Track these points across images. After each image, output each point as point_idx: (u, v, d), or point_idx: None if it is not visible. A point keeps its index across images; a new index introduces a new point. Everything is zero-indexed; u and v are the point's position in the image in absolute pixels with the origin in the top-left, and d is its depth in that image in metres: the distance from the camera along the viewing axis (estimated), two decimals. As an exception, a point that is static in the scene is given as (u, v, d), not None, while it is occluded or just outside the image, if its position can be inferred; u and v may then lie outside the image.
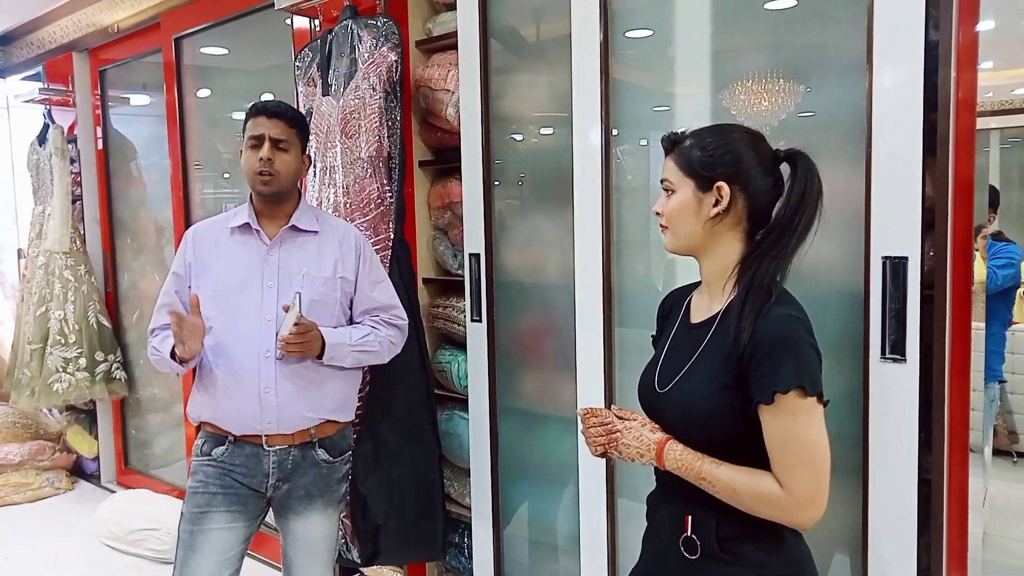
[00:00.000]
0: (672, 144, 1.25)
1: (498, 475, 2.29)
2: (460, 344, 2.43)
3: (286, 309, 1.73)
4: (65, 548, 3.45)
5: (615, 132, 2.00)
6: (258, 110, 1.83)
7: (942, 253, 1.50)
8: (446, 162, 2.45)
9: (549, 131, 2.24)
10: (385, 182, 2.22)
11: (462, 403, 2.42)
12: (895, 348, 1.51)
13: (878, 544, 1.57)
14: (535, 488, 2.33)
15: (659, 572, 1.28)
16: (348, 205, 2.22)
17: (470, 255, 2.27)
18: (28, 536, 3.60)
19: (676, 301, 1.37)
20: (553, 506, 2.27)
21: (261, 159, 1.79)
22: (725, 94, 1.86)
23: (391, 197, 2.22)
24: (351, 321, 1.93)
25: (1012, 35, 4.41)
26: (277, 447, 1.82)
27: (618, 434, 1.24)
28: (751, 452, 1.14)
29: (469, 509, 2.38)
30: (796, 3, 1.77)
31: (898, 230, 1.50)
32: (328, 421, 1.87)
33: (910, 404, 1.51)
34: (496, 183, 2.27)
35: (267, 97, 3.30)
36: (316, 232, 1.88)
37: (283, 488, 1.85)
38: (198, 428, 1.92)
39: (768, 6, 1.80)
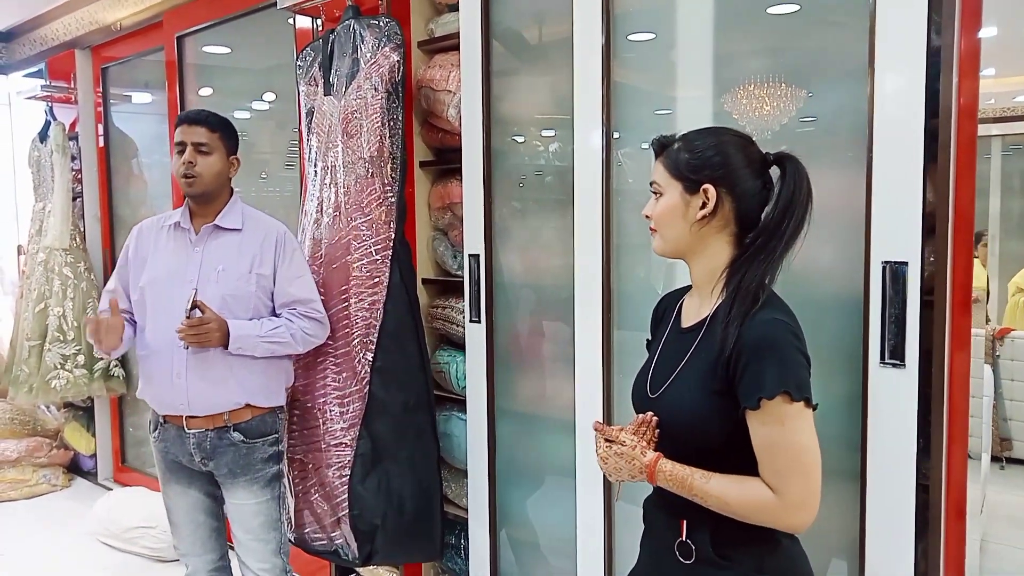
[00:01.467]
0: (661, 147, 1.25)
1: (495, 477, 2.29)
2: (459, 345, 2.42)
3: (188, 305, 1.89)
4: (61, 545, 3.45)
5: (617, 135, 2.00)
6: (181, 120, 2.02)
7: (942, 259, 1.50)
8: (447, 163, 2.45)
9: (550, 133, 2.24)
10: (387, 182, 2.22)
11: (460, 404, 2.42)
12: (894, 353, 1.51)
13: (875, 549, 1.56)
14: (532, 490, 2.33)
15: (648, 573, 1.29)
16: (349, 204, 2.21)
17: (470, 256, 2.27)
18: (24, 533, 3.60)
19: (669, 305, 1.37)
20: (550, 508, 2.27)
21: (184, 163, 1.96)
22: (727, 98, 1.86)
23: (392, 197, 2.22)
24: (274, 313, 2.06)
25: (1015, 42, 4.41)
26: (195, 430, 1.99)
27: (606, 460, 1.23)
28: (742, 457, 1.14)
29: (466, 510, 2.38)
30: (799, 8, 1.77)
31: (898, 235, 1.50)
32: (246, 406, 2.01)
33: (909, 410, 1.50)
34: (509, 184, 2.27)
35: (269, 97, 3.30)
36: (239, 230, 2.03)
37: (210, 465, 2.03)
38: None
39: (771, 10, 1.80)
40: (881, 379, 1.53)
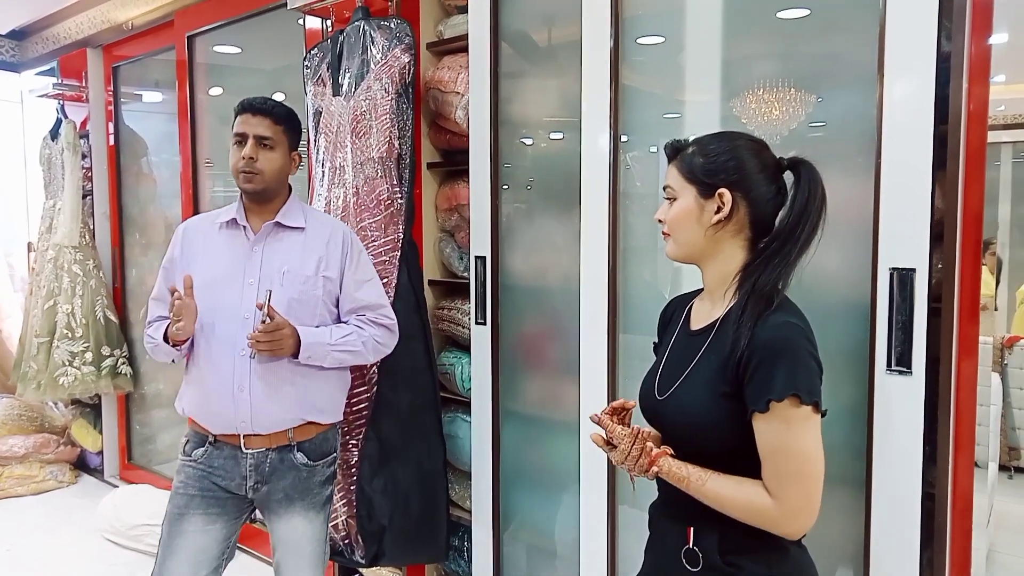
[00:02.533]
0: (675, 151, 1.25)
1: (499, 479, 2.29)
2: (464, 346, 2.42)
3: (259, 307, 1.71)
4: (67, 541, 3.46)
5: (625, 138, 2.00)
6: (244, 107, 1.82)
7: (950, 266, 1.49)
8: (454, 164, 2.46)
9: (559, 136, 2.24)
10: (395, 183, 2.23)
11: (465, 406, 2.42)
12: (901, 360, 1.50)
13: (880, 558, 1.56)
14: (536, 493, 2.33)
15: None
16: (358, 205, 2.22)
17: (476, 258, 2.27)
18: (31, 529, 3.61)
19: (678, 308, 1.37)
20: (553, 512, 2.26)
21: (244, 157, 1.78)
22: (736, 102, 1.85)
23: (401, 198, 2.23)
24: (339, 320, 1.91)
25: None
26: (255, 449, 1.80)
27: (618, 442, 1.21)
28: (747, 463, 1.13)
29: (470, 512, 2.38)
30: (809, 12, 1.76)
31: (906, 242, 1.49)
32: (309, 423, 1.85)
33: (915, 417, 1.50)
34: (505, 187, 2.28)
35: (279, 97, 3.32)
36: (302, 229, 1.86)
37: (262, 490, 1.83)
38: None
39: (781, 15, 1.80)
40: (887, 386, 1.53)
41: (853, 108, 1.63)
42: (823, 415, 1.12)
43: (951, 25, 1.47)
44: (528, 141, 2.30)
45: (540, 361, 2.30)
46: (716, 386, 1.15)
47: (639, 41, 2.01)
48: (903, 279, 1.49)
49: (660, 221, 1.26)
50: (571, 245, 2.08)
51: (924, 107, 1.46)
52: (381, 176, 2.20)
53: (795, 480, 1.09)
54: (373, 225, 2.18)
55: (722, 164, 1.18)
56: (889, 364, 1.52)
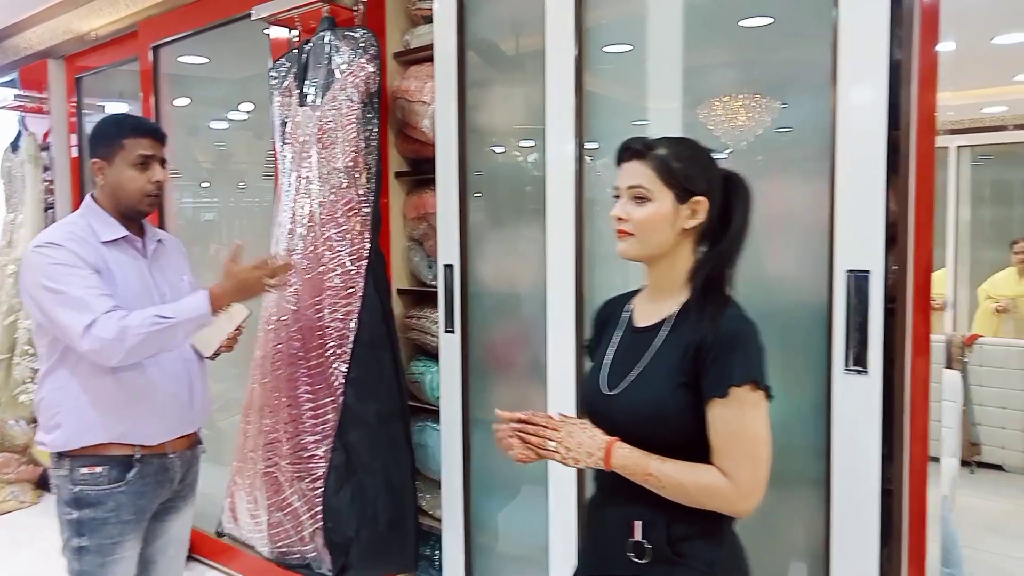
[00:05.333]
0: (645, 149, 1.24)
1: (469, 487, 2.29)
2: (434, 355, 2.42)
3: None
4: (29, 562, 3.38)
5: (595, 145, 2.02)
6: (144, 131, 1.85)
7: (904, 267, 1.53)
8: (422, 173, 2.46)
9: (526, 144, 2.26)
10: (361, 192, 2.22)
11: (434, 414, 2.42)
12: (858, 361, 1.54)
13: (841, 554, 1.59)
14: (506, 500, 2.33)
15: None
16: (323, 215, 2.21)
17: (444, 266, 2.28)
18: (-8, 550, 3.52)
19: (614, 309, 1.40)
20: (524, 518, 2.27)
21: (156, 181, 1.84)
22: (703, 109, 1.88)
23: (367, 207, 2.22)
24: None
25: (982, 56, 4.53)
26: (179, 451, 1.90)
27: (562, 436, 1.23)
28: (697, 452, 1.19)
29: (440, 521, 2.37)
30: (772, 21, 1.80)
31: (862, 244, 1.53)
32: None
33: (872, 416, 1.53)
34: (478, 195, 2.29)
35: (247, 107, 3.29)
36: (163, 242, 1.99)
37: (176, 490, 1.93)
38: (63, 455, 1.78)
39: (743, 23, 1.83)
40: (845, 386, 1.56)
41: (817, 114, 1.66)
42: (770, 399, 1.20)
43: (901, 33, 1.52)
44: (496, 149, 2.32)
45: (509, 368, 2.31)
46: (674, 377, 1.20)
47: (605, 49, 2.03)
48: (859, 281, 1.53)
49: (621, 219, 1.25)
50: (539, 252, 2.10)
51: (877, 113, 1.51)
52: (347, 186, 2.19)
53: (749, 461, 1.16)
54: (339, 235, 2.18)
55: (701, 172, 1.23)
56: (846, 364, 1.56)
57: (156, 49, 3.32)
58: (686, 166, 1.22)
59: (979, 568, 3.26)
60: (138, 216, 1.88)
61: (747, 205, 1.25)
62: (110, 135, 1.83)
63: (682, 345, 1.20)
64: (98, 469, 1.77)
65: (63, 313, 1.67)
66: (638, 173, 1.24)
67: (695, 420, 1.18)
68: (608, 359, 1.32)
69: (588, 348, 1.45)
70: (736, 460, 1.16)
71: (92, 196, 1.87)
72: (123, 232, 1.84)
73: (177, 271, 1.98)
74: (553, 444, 1.22)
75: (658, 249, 1.25)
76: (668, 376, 1.21)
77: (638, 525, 1.22)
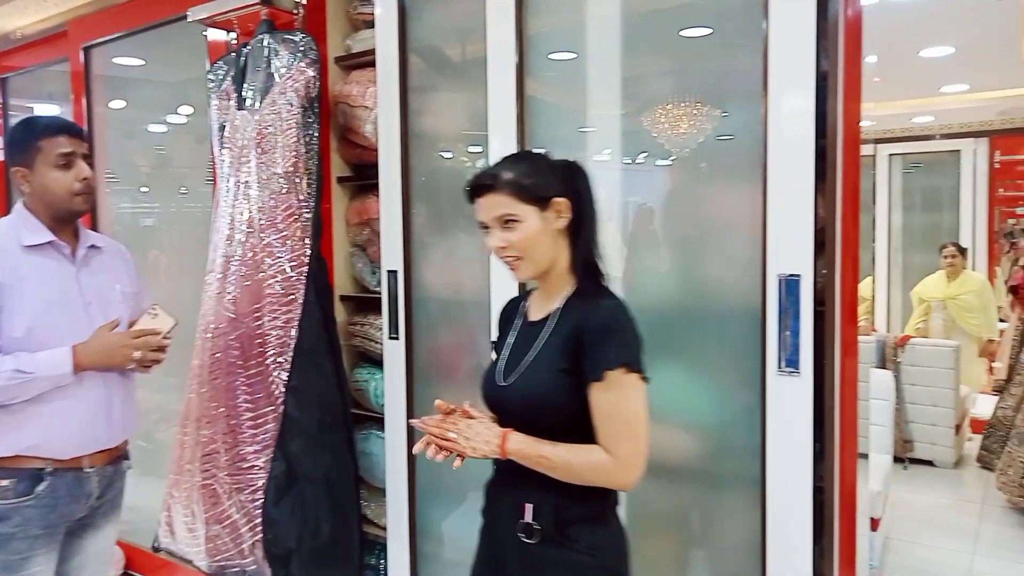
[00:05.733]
0: (489, 184, 1.32)
1: (415, 495, 2.27)
2: (378, 362, 2.40)
3: (132, 324, 1.82)
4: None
5: (542, 151, 2.03)
6: (58, 129, 1.78)
7: (832, 271, 1.58)
8: (365, 179, 2.44)
9: (473, 149, 2.26)
10: (302, 198, 2.19)
11: (379, 422, 2.39)
12: (790, 362, 1.59)
13: (776, 551, 1.63)
14: (452, 507, 2.32)
15: (500, 560, 1.37)
16: (263, 220, 2.17)
17: (388, 272, 2.26)
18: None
19: (515, 306, 1.51)
20: (469, 525, 2.25)
21: (83, 179, 1.78)
22: (647, 117, 1.92)
23: (308, 213, 2.19)
24: None
25: (910, 68, 4.73)
26: (97, 466, 1.81)
27: (461, 427, 1.33)
28: (582, 434, 1.28)
29: (385, 529, 2.35)
30: (710, 31, 1.85)
31: (792, 249, 1.58)
32: None
33: (804, 415, 1.58)
34: (423, 200, 2.28)
35: (186, 110, 3.21)
36: (103, 248, 1.92)
37: (95, 507, 1.84)
38: None
39: (683, 33, 1.88)
40: (778, 387, 1.61)
41: (753, 123, 1.70)
42: (647, 382, 1.28)
43: (827, 45, 1.57)
44: (441, 155, 2.31)
45: (454, 374, 2.30)
46: (557, 363, 1.29)
47: (551, 57, 2.05)
48: (790, 285, 1.58)
49: (503, 248, 1.32)
50: (483, 257, 2.10)
51: (805, 122, 1.56)
52: (287, 191, 2.16)
53: (627, 438, 1.25)
54: (279, 241, 2.14)
55: (546, 177, 1.33)
56: (780, 365, 1.60)
57: (88, 50, 3.21)
58: (534, 178, 1.32)
59: (912, 560, 3.40)
60: (72, 217, 1.82)
61: (588, 187, 1.35)
62: (24, 140, 1.78)
63: (564, 335, 1.30)
64: (4, 482, 1.70)
65: None
66: (498, 203, 1.31)
67: (579, 404, 1.27)
68: (505, 353, 1.41)
69: (494, 345, 1.52)
70: (616, 439, 1.25)
71: (23, 202, 1.82)
72: (48, 237, 1.77)
73: (111, 279, 1.89)
74: (453, 435, 1.33)
75: (546, 260, 1.34)
76: (552, 364, 1.30)
77: (529, 508, 1.31)
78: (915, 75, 4.98)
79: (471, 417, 1.35)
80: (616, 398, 1.25)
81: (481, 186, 1.33)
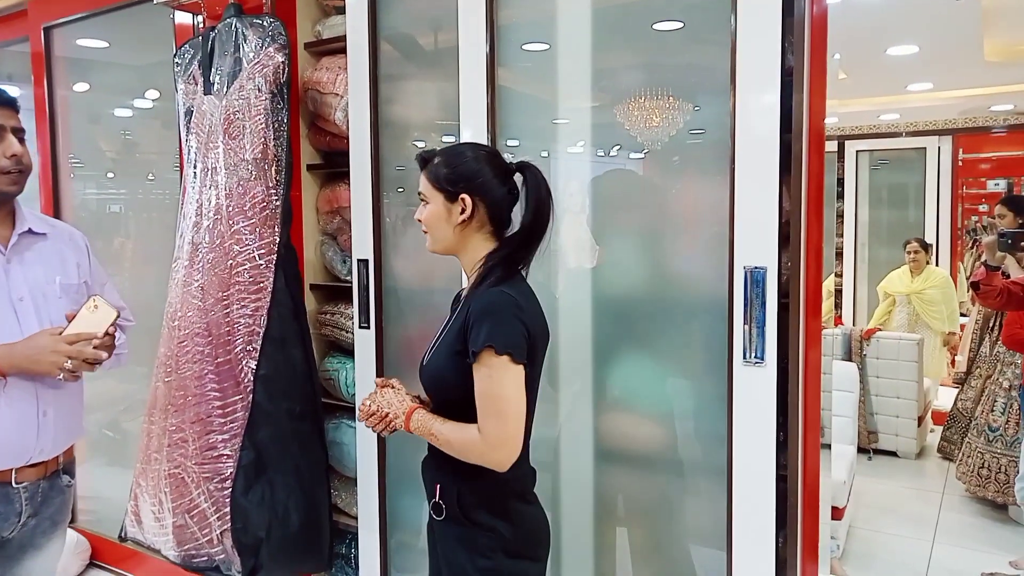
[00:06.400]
0: (424, 162, 1.47)
1: (385, 484, 2.27)
2: (349, 352, 2.39)
3: (69, 318, 1.55)
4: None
5: (516, 143, 2.03)
6: None
7: (796, 263, 1.61)
8: (335, 166, 2.42)
9: (446, 138, 2.25)
10: (271, 185, 2.16)
11: (350, 412, 2.39)
12: (755, 353, 1.61)
13: (741, 538, 1.66)
14: (423, 496, 2.32)
15: (428, 528, 1.52)
16: (230, 208, 2.14)
17: (358, 261, 2.25)
18: None
19: (458, 294, 1.62)
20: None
21: (13, 155, 1.56)
22: (620, 109, 1.93)
23: (277, 200, 2.16)
24: None
25: (877, 66, 4.80)
26: (26, 482, 1.61)
27: (375, 396, 1.46)
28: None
29: (356, 519, 2.35)
30: (682, 25, 1.86)
31: (758, 242, 1.60)
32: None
33: (768, 405, 1.61)
34: (400, 189, 2.26)
35: (152, 94, 3.15)
36: (46, 235, 1.69)
37: (30, 524, 1.65)
38: None
39: (656, 27, 1.88)
40: (744, 377, 1.63)
41: (723, 117, 1.72)
42: (525, 366, 1.33)
43: (793, 41, 1.59)
44: (414, 143, 2.30)
45: (424, 364, 2.30)
46: (452, 346, 1.39)
47: (524, 47, 2.05)
48: (756, 277, 1.60)
49: (420, 220, 1.47)
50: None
51: (771, 117, 1.58)
52: (255, 178, 2.13)
53: (494, 417, 1.31)
54: (247, 228, 2.11)
55: (462, 174, 1.42)
56: (745, 356, 1.63)
57: (48, 30, 3.13)
58: (450, 171, 1.42)
59: (874, 548, 3.48)
60: (2, 199, 1.60)
61: (535, 196, 1.41)
62: None
63: (462, 319, 1.38)
64: None
65: None
66: (422, 182, 1.47)
67: (469, 383, 1.34)
68: (437, 335, 1.51)
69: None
70: (485, 417, 1.32)
71: None
72: None
73: (50, 271, 1.66)
74: (368, 402, 1.46)
75: (445, 242, 1.45)
76: (449, 346, 1.40)
77: (439, 488, 1.43)
78: (882, 73, 5.06)
79: (392, 388, 1.48)
80: (486, 377, 1.31)
81: (419, 163, 1.49)
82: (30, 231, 1.65)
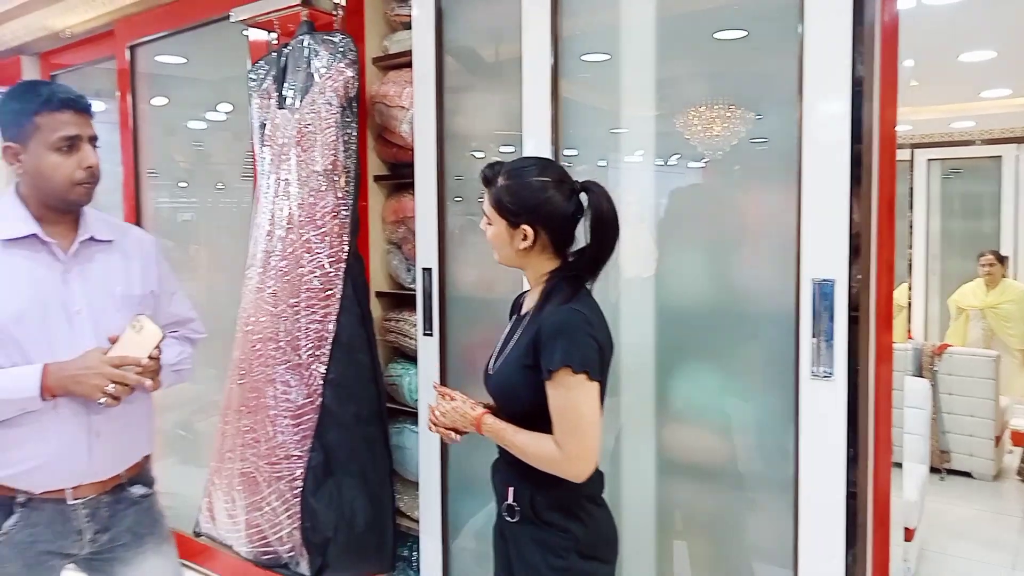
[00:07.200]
0: (487, 181, 1.49)
1: (447, 488, 2.31)
2: (412, 358, 2.44)
3: (112, 341, 1.48)
4: None
5: (574, 152, 2.05)
6: (60, 103, 1.47)
7: (867, 277, 1.57)
8: (400, 177, 2.48)
9: (506, 149, 2.29)
10: (340, 195, 2.24)
11: (413, 416, 2.43)
12: (824, 366, 1.58)
13: (808, 556, 1.63)
14: (484, 501, 2.35)
15: (497, 530, 1.56)
16: (302, 217, 2.22)
17: (423, 269, 2.29)
18: None
19: (518, 300, 1.65)
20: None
21: (89, 167, 1.50)
22: (680, 119, 1.92)
23: (346, 211, 2.24)
24: None
25: (949, 72, 4.64)
26: (85, 498, 1.53)
27: (443, 408, 1.51)
28: (549, 423, 1.38)
29: (418, 522, 2.39)
30: (745, 34, 1.85)
31: (827, 254, 1.57)
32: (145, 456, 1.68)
33: (838, 420, 1.58)
34: (458, 199, 2.31)
35: (225, 108, 3.29)
36: (111, 241, 1.61)
37: (102, 540, 1.58)
38: None
39: (718, 36, 1.88)
40: (811, 391, 1.60)
41: (787, 126, 1.70)
42: (600, 384, 1.37)
43: (863, 50, 1.56)
44: (476, 154, 2.34)
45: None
46: (522, 359, 1.41)
47: (584, 58, 2.07)
48: (824, 289, 1.58)
49: (485, 233, 1.51)
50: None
51: (840, 127, 1.55)
52: (326, 189, 2.21)
53: (573, 434, 1.35)
54: (318, 237, 2.19)
55: (524, 204, 1.43)
56: (813, 370, 1.60)
57: (133, 48, 3.30)
58: (513, 199, 1.43)
59: (946, 571, 3.34)
60: (70, 207, 1.54)
61: (598, 217, 1.41)
62: (17, 111, 1.48)
63: (531, 333, 1.40)
64: None
65: None
66: (486, 200, 1.49)
67: (539, 396, 1.37)
68: (499, 343, 1.55)
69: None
70: (563, 432, 1.35)
71: (16, 187, 1.56)
72: (30, 229, 1.49)
73: (111, 282, 1.58)
74: (437, 415, 1.52)
75: (509, 260, 1.49)
76: (519, 359, 1.43)
77: (511, 490, 1.46)
78: (954, 80, 4.89)
79: (454, 398, 1.53)
80: (563, 395, 1.34)
81: (483, 179, 1.50)
82: (92, 239, 1.58)
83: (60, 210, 1.54)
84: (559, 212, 1.43)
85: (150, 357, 1.48)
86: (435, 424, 1.52)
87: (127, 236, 1.67)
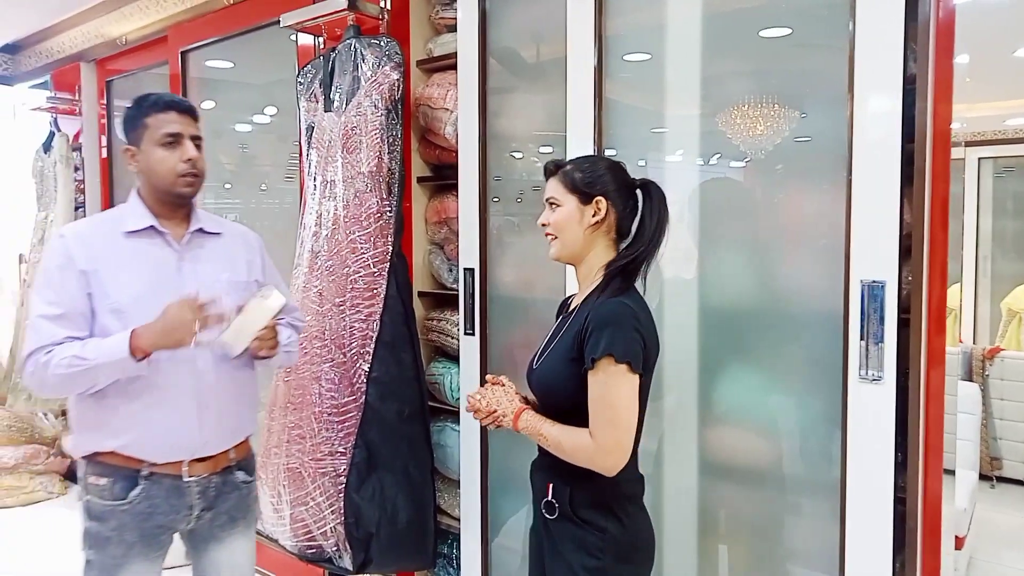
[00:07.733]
0: (556, 167, 1.52)
1: (487, 487, 2.33)
2: (453, 357, 2.47)
3: (239, 309, 1.62)
4: (57, 553, 3.46)
5: (613, 152, 2.05)
6: (165, 105, 1.67)
7: (918, 278, 1.54)
8: (444, 179, 2.51)
9: (548, 150, 2.30)
10: (384, 197, 2.27)
11: (454, 415, 2.46)
12: (873, 369, 1.56)
13: (855, 561, 1.60)
14: (524, 500, 2.36)
15: (535, 527, 1.57)
16: (347, 218, 2.27)
17: (464, 269, 2.32)
18: (19, 540, 3.61)
19: (567, 299, 1.66)
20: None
21: (189, 160, 1.66)
22: (722, 118, 1.91)
23: (390, 211, 2.27)
24: None
25: (1004, 68, 4.50)
26: (198, 476, 1.68)
27: (485, 394, 1.52)
28: (587, 420, 1.38)
29: (459, 520, 2.41)
30: (790, 32, 1.83)
31: (877, 255, 1.55)
32: (244, 440, 1.80)
33: (887, 424, 1.55)
34: (495, 199, 2.33)
35: (271, 111, 3.36)
36: (220, 234, 1.78)
37: (205, 518, 1.72)
38: (84, 459, 1.67)
39: (763, 34, 1.86)
40: (860, 394, 1.58)
41: (833, 125, 1.68)
42: (641, 376, 1.37)
43: (916, 47, 1.54)
44: (517, 155, 2.36)
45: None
46: (567, 353, 1.42)
47: (625, 58, 2.07)
48: (874, 291, 1.55)
49: (545, 225, 1.51)
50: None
51: (892, 125, 1.52)
52: (371, 190, 2.24)
53: (608, 424, 1.35)
54: (363, 238, 2.23)
55: (598, 178, 1.47)
56: (862, 373, 1.57)
57: (184, 54, 3.40)
58: (585, 175, 1.47)
59: (996, 581, 3.25)
60: (179, 200, 1.69)
61: (657, 208, 1.46)
62: (133, 117, 1.68)
63: (577, 326, 1.41)
64: (103, 481, 1.64)
65: (25, 331, 1.65)
66: (551, 187, 1.51)
67: (581, 393, 1.38)
68: (546, 339, 1.56)
69: None
70: (598, 423, 1.36)
71: (136, 188, 1.73)
72: (149, 222, 1.67)
73: (217, 267, 1.74)
74: (477, 396, 1.52)
75: (574, 246, 1.49)
76: (564, 352, 1.43)
77: (551, 487, 1.47)
78: (1010, 75, 4.73)
79: (503, 384, 1.55)
80: (601, 385, 1.35)
81: (547, 171, 1.54)
82: (202, 230, 1.74)
83: (172, 204, 1.71)
84: (624, 194, 1.48)
85: (269, 327, 1.65)
86: (475, 410, 1.51)
87: (234, 231, 1.86)
